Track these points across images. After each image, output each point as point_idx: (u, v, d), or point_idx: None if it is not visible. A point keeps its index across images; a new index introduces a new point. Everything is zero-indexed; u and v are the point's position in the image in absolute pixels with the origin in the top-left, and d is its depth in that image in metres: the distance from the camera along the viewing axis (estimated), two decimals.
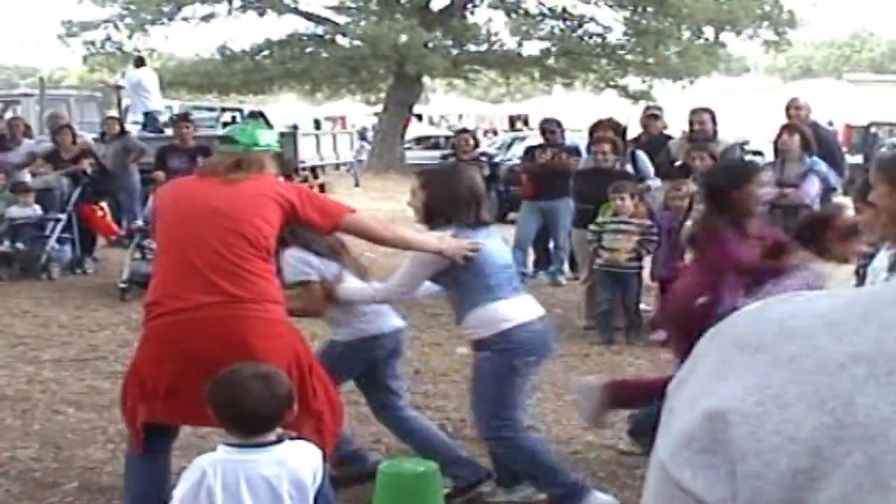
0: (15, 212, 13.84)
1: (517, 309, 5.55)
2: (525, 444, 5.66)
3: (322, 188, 22.29)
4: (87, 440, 7.17)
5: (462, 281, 5.52)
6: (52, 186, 14.45)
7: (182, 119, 14.68)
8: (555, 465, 5.67)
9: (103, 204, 15.66)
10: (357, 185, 30.99)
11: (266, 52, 38.40)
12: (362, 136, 38.61)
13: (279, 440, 3.84)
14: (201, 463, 3.75)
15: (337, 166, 23.50)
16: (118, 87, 22.92)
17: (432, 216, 5.61)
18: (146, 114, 20.97)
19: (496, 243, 5.73)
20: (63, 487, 6.26)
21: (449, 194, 5.57)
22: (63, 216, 14.05)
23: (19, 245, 13.64)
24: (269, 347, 4.77)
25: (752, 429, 0.95)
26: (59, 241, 13.94)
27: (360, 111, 54.05)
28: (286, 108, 47.76)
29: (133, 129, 19.58)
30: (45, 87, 23.33)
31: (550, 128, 13.77)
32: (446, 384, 8.73)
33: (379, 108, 44.25)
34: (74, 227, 14.33)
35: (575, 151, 13.45)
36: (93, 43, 36.95)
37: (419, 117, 48.25)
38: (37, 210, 13.95)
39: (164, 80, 32.77)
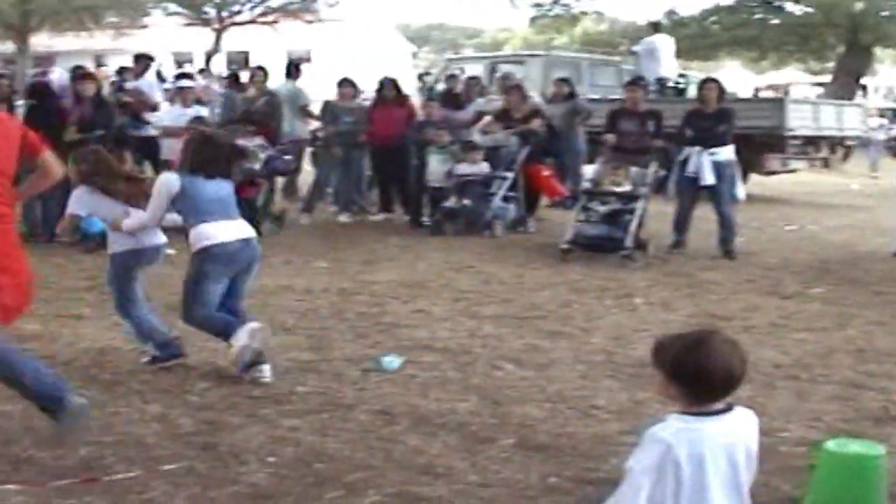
0: (463, 168, 14.16)
1: (220, 231, 7.45)
2: (211, 322, 7.58)
3: (825, 164, 21.42)
4: (525, 397, 7.14)
5: (183, 209, 7.54)
6: (500, 145, 14.69)
7: (633, 83, 14.47)
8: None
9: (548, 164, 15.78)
10: (874, 168, 29.53)
11: (714, 18, 37.78)
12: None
13: (728, 408, 3.62)
14: (662, 436, 3.54)
15: (841, 141, 22.13)
16: (632, 53, 22.92)
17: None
18: (659, 80, 20.91)
19: (214, 185, 7.58)
20: (499, 443, 6.24)
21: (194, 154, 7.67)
22: (510, 175, 14.26)
23: (466, 201, 13.96)
24: None
25: None
26: (505, 199, 14.18)
27: (800, 80, 52.36)
28: (728, 75, 46.81)
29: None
30: (552, 49, 23.56)
31: None
32: (891, 364, 8.18)
33: (822, 77, 42.73)
34: (520, 187, 14.51)
35: None
36: (541, 5, 37.42)
37: (864, 88, 46.22)
38: (484, 168, 14.22)
39: (615, 43, 32.74)
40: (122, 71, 17.86)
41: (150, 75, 16.43)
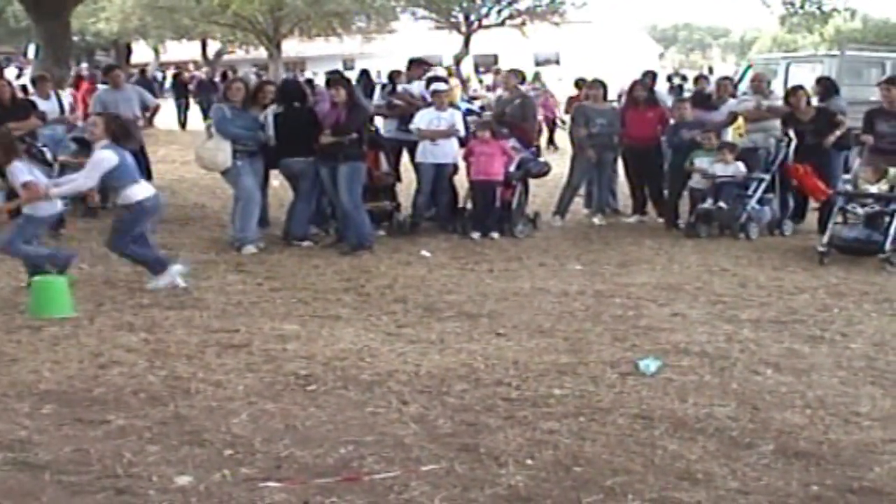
0: (719, 170, 13.94)
1: (142, 189, 10.40)
2: (134, 256, 10.59)
3: None
4: (785, 403, 7.04)
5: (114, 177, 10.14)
6: (757, 146, 14.40)
7: (892, 81, 13.96)
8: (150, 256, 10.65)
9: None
10: None
11: None
12: None
13: None
14: None
15: None
16: None
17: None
18: None
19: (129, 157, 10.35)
20: (759, 449, 6.18)
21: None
22: (766, 176, 13.97)
23: (721, 203, 13.74)
24: None
25: None
26: (760, 201, 13.89)
27: None
28: None
29: None
30: (845, 48, 22.88)
31: None
32: None
33: None
34: (777, 188, 14.20)
35: None
36: (792, 3, 36.31)
37: None
38: (740, 169, 13.96)
39: (863, 41, 31.71)
40: (392, 74, 18.24)
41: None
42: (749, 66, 23.28)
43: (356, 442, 6.19)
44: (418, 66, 15.97)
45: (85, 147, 14.81)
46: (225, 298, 10.10)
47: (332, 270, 11.49)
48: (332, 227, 13.38)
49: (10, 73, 33.74)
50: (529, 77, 24.76)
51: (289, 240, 12.94)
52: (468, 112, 15.37)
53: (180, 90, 35.60)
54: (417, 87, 15.47)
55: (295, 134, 12.67)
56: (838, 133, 13.98)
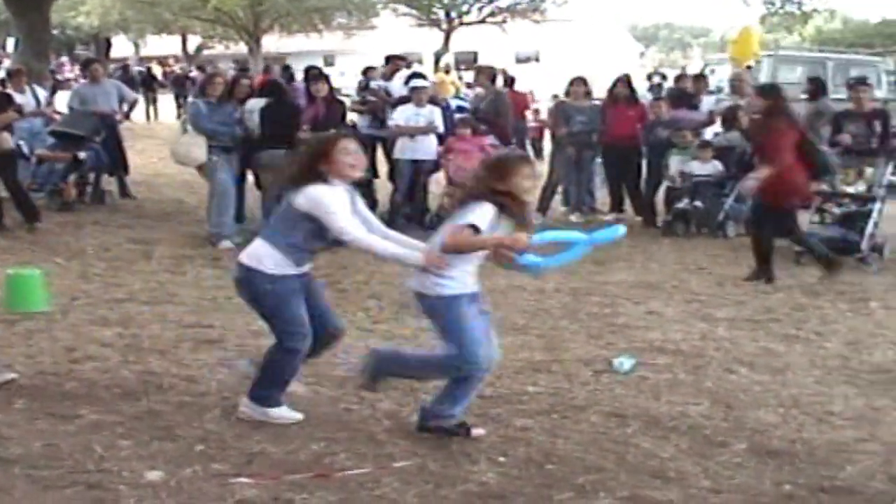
0: (696, 168, 13.96)
1: None
2: None
3: None
4: (759, 402, 7.06)
5: None
6: (733, 145, 14.43)
7: (859, 82, 14.11)
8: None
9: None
10: None
11: None
12: None
13: None
14: None
15: None
16: None
17: None
18: None
19: None
20: (732, 447, 6.19)
21: None
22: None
23: (697, 203, 13.76)
24: None
25: None
26: (737, 199, 13.91)
27: None
28: None
29: None
30: (777, 48, 23.15)
31: None
32: None
33: None
34: None
35: None
36: (772, 2, 36.30)
37: None
38: (717, 167, 13.97)
39: (843, 42, 31.78)
40: (366, 70, 18.23)
41: (399, 77, 16.56)
42: (706, 66, 23.54)
43: (329, 438, 6.16)
44: (395, 62, 15.96)
45: (62, 140, 14.79)
46: (200, 293, 10.05)
47: None
48: None
49: None
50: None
51: None
52: (460, 109, 15.31)
53: (148, 84, 35.80)
54: (398, 84, 15.42)
55: (277, 127, 12.59)
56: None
